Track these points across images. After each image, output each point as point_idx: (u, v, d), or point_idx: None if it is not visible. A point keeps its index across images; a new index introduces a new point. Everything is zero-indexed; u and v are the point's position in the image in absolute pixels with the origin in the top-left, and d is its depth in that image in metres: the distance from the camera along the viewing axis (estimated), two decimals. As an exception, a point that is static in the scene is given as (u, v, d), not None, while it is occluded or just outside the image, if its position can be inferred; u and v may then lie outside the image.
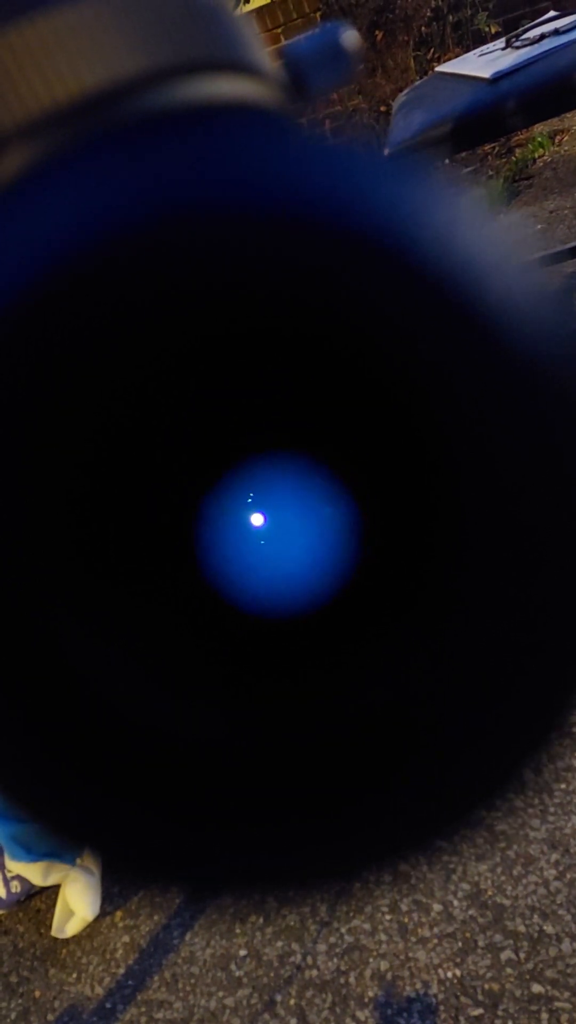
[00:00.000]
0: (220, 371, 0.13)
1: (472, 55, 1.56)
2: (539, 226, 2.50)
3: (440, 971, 0.96)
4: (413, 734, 0.14)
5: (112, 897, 1.20)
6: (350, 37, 0.19)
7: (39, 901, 1.26)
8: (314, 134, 0.12)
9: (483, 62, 1.42)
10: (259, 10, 3.24)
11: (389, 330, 0.11)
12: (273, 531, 0.14)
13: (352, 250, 0.11)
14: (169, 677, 0.15)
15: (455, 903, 1.01)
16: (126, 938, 1.17)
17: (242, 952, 1.08)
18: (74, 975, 1.16)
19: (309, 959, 1.03)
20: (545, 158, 2.96)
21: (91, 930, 1.18)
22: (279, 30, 3.25)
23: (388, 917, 1.03)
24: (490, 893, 1.00)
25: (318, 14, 3.25)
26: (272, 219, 0.11)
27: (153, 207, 0.11)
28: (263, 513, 0.14)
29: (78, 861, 1.17)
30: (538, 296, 0.12)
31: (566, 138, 3.01)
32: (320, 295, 0.11)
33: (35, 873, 1.17)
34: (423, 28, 3.21)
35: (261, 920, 1.09)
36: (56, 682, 0.14)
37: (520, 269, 0.12)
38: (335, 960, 1.02)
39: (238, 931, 1.10)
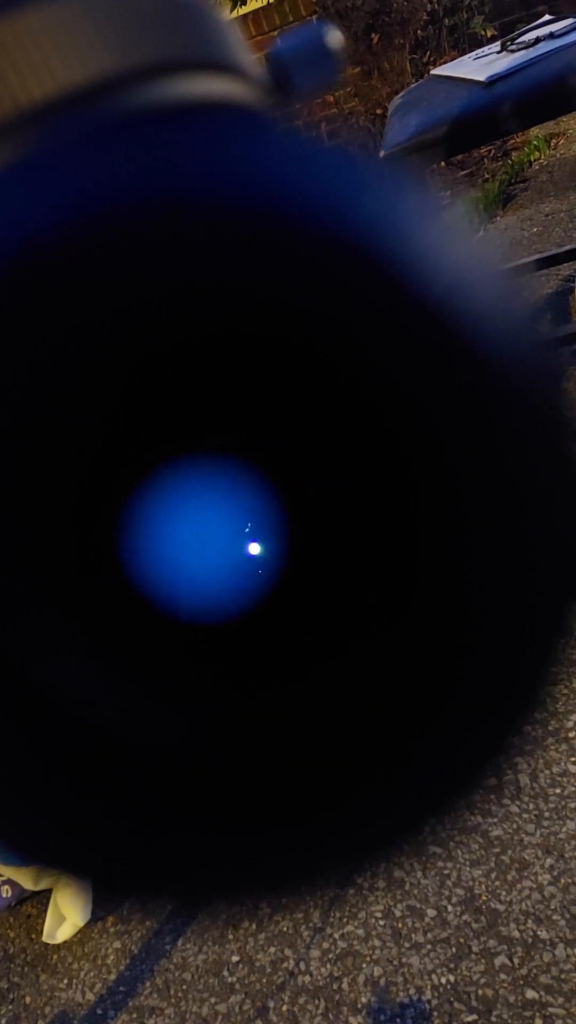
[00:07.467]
0: (174, 372, 0.12)
1: (468, 58, 1.56)
2: (535, 229, 2.51)
3: (434, 977, 0.96)
4: (397, 727, 0.14)
5: (104, 902, 1.19)
6: (334, 37, 0.19)
7: (30, 906, 1.25)
8: (293, 132, 0.12)
9: (479, 65, 1.42)
10: (254, 13, 3.25)
11: (353, 330, 0.11)
12: (214, 532, 0.14)
13: (320, 249, 0.11)
14: (140, 686, 0.14)
15: (449, 908, 1.01)
16: (118, 944, 1.16)
17: (235, 958, 1.07)
18: (65, 981, 1.15)
19: (302, 965, 1.02)
20: (541, 161, 2.97)
21: (82, 936, 1.18)
22: (275, 33, 3.26)
23: (382, 923, 1.02)
24: (484, 898, 1.00)
25: (314, 17, 3.26)
26: (244, 217, 0.11)
27: (124, 202, 0.11)
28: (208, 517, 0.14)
29: (70, 866, 1.16)
30: (508, 307, 0.11)
31: (562, 141, 3.02)
32: (289, 294, 0.11)
33: (26, 877, 1.17)
34: (419, 31, 3.22)
35: (254, 926, 1.08)
36: (18, 701, 0.13)
37: (492, 279, 0.11)
38: (328, 966, 1.01)
39: (231, 937, 1.09)
